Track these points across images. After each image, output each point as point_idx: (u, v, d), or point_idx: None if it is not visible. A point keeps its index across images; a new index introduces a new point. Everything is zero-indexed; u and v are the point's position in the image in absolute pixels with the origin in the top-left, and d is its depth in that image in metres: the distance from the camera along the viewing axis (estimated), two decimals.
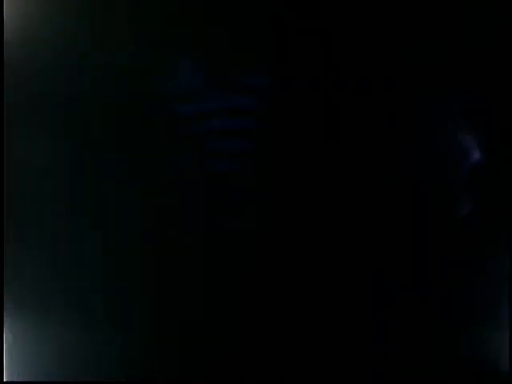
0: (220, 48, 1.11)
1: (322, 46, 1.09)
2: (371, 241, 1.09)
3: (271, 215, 1.10)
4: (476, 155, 1.07)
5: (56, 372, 1.13)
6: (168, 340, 1.13)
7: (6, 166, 1.14)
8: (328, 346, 1.10)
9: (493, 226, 1.07)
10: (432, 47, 1.07)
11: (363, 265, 1.09)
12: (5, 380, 1.13)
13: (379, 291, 1.08)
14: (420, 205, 1.08)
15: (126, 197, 1.13)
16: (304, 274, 1.09)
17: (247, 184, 1.11)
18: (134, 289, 1.13)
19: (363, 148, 1.09)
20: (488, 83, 1.07)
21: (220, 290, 1.11)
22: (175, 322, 1.12)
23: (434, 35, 1.07)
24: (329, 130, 1.09)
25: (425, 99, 1.08)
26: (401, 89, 1.08)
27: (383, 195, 1.09)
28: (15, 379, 1.13)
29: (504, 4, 1.06)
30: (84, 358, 1.13)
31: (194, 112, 1.12)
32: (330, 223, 1.09)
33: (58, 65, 1.14)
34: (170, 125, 1.12)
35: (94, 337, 1.13)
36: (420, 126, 1.08)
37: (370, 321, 1.09)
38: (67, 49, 1.14)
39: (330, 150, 1.09)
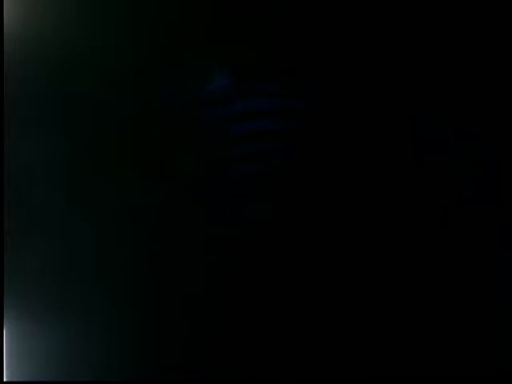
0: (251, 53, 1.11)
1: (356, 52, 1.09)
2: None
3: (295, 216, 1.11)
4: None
5: (56, 372, 1.13)
6: (168, 339, 1.13)
7: (6, 166, 1.14)
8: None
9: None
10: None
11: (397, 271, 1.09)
12: (5, 380, 1.13)
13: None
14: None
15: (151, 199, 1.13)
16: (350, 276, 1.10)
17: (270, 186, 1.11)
18: (134, 288, 1.13)
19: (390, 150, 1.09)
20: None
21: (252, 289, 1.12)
22: (175, 322, 1.13)
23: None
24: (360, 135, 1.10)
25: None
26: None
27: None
28: (15, 379, 1.14)
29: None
30: (84, 357, 1.13)
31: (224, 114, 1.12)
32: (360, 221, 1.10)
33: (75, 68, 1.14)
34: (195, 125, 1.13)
35: (94, 336, 1.14)
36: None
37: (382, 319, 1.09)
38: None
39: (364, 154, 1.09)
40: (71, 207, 1.14)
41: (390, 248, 1.09)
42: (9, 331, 1.13)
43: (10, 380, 1.13)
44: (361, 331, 1.09)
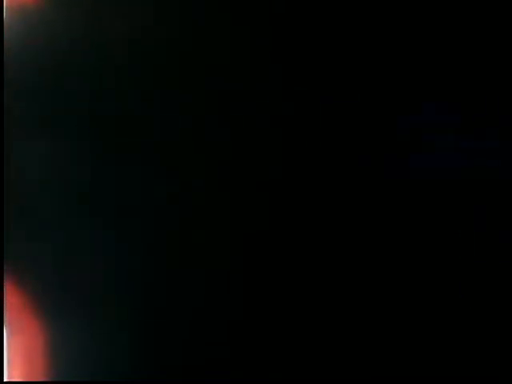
0: None
1: None
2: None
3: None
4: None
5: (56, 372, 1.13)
6: (170, 339, 1.13)
7: (8, 167, 1.14)
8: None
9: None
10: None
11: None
12: (5, 380, 1.13)
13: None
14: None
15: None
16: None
17: None
18: (133, 288, 1.13)
19: None
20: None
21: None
22: (177, 321, 1.13)
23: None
24: None
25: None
26: None
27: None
28: (15, 379, 1.13)
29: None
30: (84, 357, 1.13)
31: None
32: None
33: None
34: None
35: (93, 336, 1.13)
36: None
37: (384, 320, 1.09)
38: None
39: None
40: (71, 207, 1.14)
41: (393, 247, 1.10)
42: (9, 331, 1.13)
43: (9, 380, 1.13)
44: (362, 333, 1.10)
